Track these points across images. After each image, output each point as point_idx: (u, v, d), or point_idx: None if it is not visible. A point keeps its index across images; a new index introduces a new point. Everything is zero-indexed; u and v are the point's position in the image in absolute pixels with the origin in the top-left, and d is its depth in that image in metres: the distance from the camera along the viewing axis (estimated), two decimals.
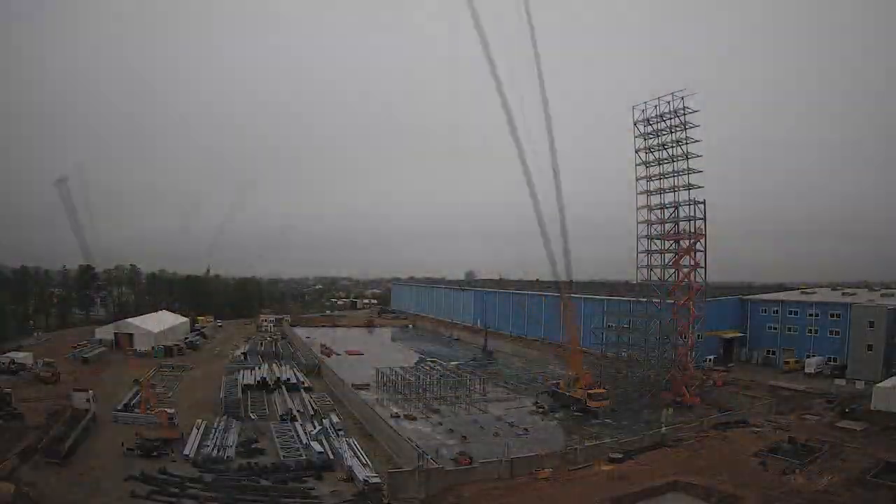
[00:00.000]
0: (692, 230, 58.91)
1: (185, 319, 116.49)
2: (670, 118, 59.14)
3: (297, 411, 54.50)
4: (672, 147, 59.36)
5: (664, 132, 59.82)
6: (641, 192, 62.01)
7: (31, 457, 38.71)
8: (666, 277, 60.58)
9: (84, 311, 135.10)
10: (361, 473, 37.35)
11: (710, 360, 71.33)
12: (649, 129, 60.73)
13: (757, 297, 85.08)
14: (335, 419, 51.43)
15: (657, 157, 60.71)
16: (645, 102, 60.79)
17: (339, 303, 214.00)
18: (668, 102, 58.87)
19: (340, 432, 47.57)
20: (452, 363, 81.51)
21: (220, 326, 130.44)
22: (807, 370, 69.24)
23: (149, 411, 48.24)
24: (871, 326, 65.88)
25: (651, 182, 61.13)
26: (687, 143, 58.93)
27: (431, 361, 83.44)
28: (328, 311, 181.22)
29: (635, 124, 61.68)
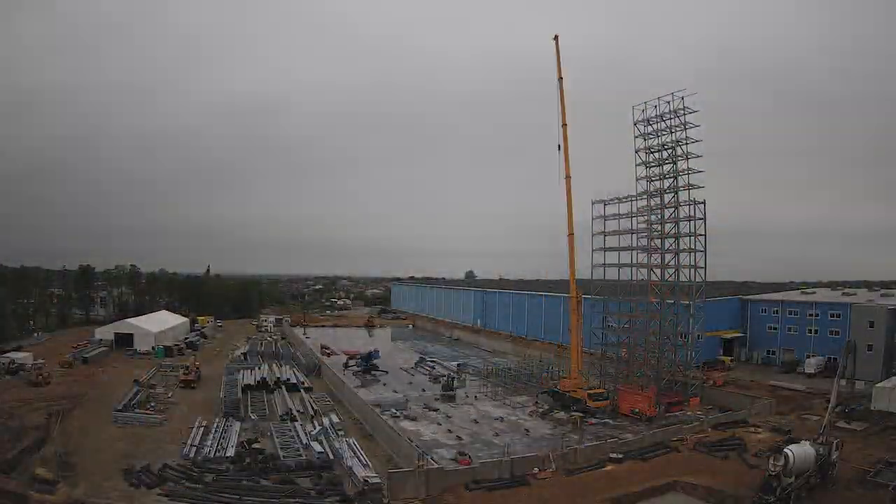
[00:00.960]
0: (692, 230, 58.93)
1: (184, 319, 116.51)
2: (670, 118, 59.08)
3: (297, 411, 54.49)
4: (672, 147, 59.31)
5: (664, 132, 59.72)
6: (641, 192, 61.91)
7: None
8: (665, 278, 60.48)
9: (84, 312, 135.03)
10: (361, 473, 37.35)
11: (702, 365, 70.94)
12: (649, 129, 60.67)
13: (757, 297, 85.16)
14: (335, 419, 51.44)
15: (657, 157, 60.61)
16: (645, 102, 60.70)
17: (339, 303, 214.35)
18: (669, 102, 58.82)
19: (340, 432, 47.58)
20: (453, 363, 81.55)
21: (220, 326, 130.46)
22: (806, 370, 69.36)
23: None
24: (871, 326, 65.93)
25: (651, 182, 61.05)
26: (687, 144, 58.88)
27: (432, 361, 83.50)
28: (328, 312, 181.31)
29: (635, 124, 61.58)
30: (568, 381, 58.53)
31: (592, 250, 63.96)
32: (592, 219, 63.52)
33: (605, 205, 62.79)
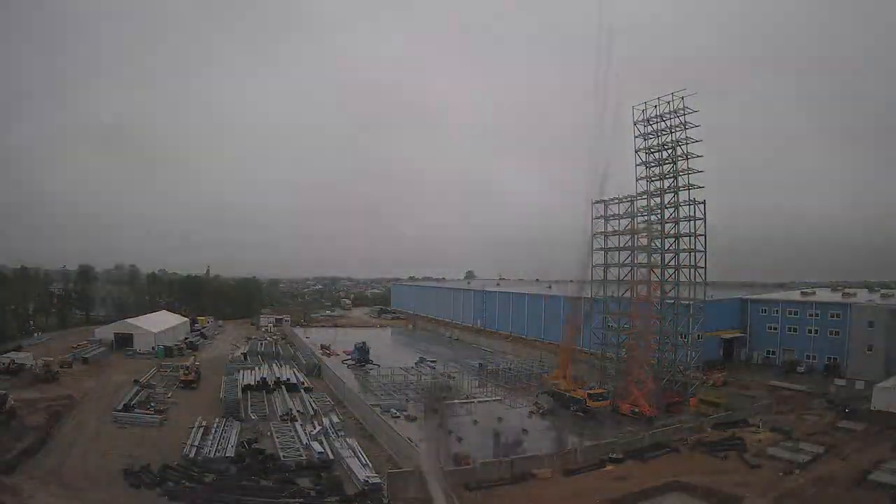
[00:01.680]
0: (692, 230, 59.01)
1: (184, 320, 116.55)
2: (670, 118, 59.15)
3: (298, 411, 54.54)
4: (672, 147, 59.35)
5: (664, 132, 59.76)
6: (642, 192, 61.90)
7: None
8: (666, 278, 60.52)
9: (84, 312, 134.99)
10: (361, 474, 37.38)
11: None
12: (649, 129, 60.76)
13: (757, 297, 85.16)
14: (335, 419, 51.47)
15: (657, 157, 60.61)
16: (645, 102, 60.68)
17: (343, 302, 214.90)
18: (669, 102, 58.90)
19: (340, 433, 47.59)
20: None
21: (220, 326, 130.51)
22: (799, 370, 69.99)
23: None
24: (870, 327, 66.02)
25: (651, 182, 61.05)
26: (687, 144, 58.94)
27: (432, 361, 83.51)
28: (328, 312, 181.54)
29: (635, 124, 61.60)
30: (563, 382, 58.50)
31: (592, 250, 63.85)
32: (593, 219, 63.50)
33: (605, 205, 62.83)
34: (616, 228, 62.60)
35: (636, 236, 61.06)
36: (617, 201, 62.22)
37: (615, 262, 62.21)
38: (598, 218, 63.52)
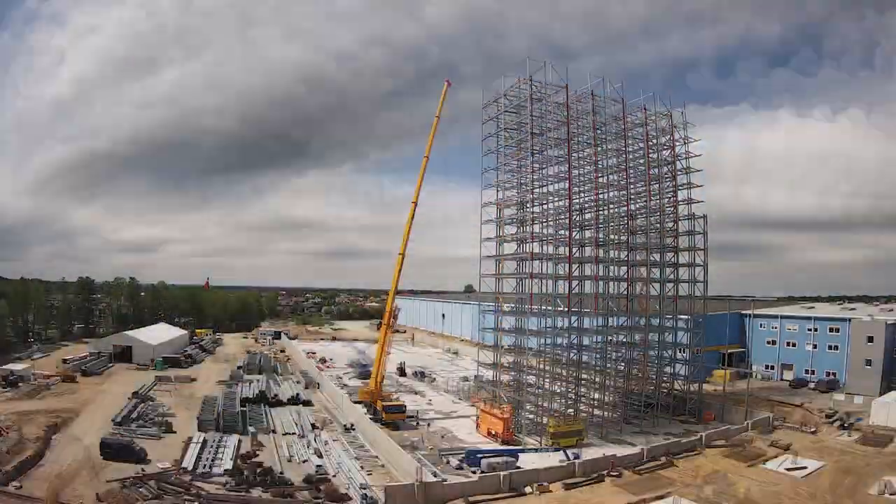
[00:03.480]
0: (692, 245, 59.26)
1: (183, 332, 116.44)
2: (668, 133, 59.60)
3: (296, 424, 54.39)
4: (671, 163, 59.72)
5: (664, 147, 59.78)
6: (642, 206, 61.97)
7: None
8: (665, 292, 60.57)
9: (83, 324, 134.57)
10: (359, 487, 37.32)
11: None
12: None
13: (756, 311, 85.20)
14: (333, 432, 51.32)
15: (655, 174, 60.12)
16: (645, 114, 60.20)
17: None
18: (668, 116, 59.32)
19: (338, 445, 47.47)
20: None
21: (219, 339, 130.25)
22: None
23: None
24: (870, 341, 66.04)
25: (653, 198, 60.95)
26: (687, 158, 59.30)
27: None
28: (327, 325, 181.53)
29: (629, 136, 61.44)
30: (367, 391, 59.59)
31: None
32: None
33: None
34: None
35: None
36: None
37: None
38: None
